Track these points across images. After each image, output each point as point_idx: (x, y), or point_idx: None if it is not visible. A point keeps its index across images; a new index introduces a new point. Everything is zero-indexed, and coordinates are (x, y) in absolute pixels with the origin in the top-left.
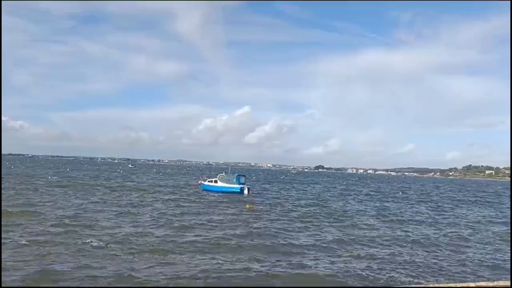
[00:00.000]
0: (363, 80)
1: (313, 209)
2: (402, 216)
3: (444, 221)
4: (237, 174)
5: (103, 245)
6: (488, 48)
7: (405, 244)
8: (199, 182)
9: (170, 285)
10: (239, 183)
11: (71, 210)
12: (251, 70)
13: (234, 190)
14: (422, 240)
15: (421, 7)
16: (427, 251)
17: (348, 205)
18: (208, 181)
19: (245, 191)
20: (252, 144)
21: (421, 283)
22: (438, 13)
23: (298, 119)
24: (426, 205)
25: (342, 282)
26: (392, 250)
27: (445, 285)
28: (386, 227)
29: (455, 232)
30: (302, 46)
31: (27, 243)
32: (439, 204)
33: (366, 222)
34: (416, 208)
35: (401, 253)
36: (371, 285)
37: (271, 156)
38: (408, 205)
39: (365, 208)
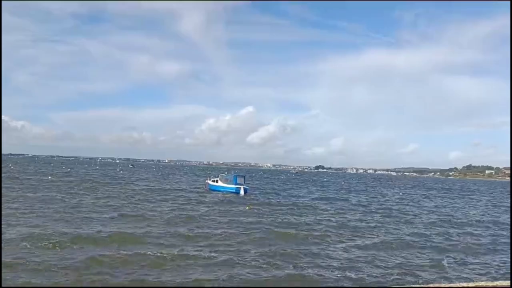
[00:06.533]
0: (367, 80)
1: None
2: None
3: None
4: (234, 175)
5: None
6: (492, 48)
7: None
8: (207, 182)
9: (171, 285)
10: (235, 183)
11: None
12: (254, 70)
13: (230, 190)
14: None
15: (424, 7)
16: None
17: None
18: (212, 181)
19: (241, 191)
20: (255, 144)
21: (421, 283)
22: (442, 13)
23: (301, 119)
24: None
25: (342, 282)
26: None
27: (445, 285)
28: None
29: None
30: (306, 46)
31: None
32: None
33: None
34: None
35: None
36: (370, 285)
37: (271, 156)
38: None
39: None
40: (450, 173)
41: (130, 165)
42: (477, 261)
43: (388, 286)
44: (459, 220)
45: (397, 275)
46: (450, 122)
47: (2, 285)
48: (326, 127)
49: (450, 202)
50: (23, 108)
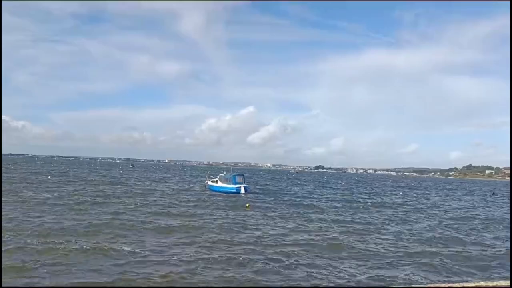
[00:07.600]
0: (367, 80)
1: None
2: None
3: None
4: (233, 174)
5: None
6: (492, 48)
7: None
8: (206, 182)
9: (171, 285)
10: (235, 183)
11: None
12: (254, 70)
13: (230, 190)
14: None
15: (424, 7)
16: None
17: None
18: (212, 181)
19: (242, 190)
20: (255, 144)
21: (421, 283)
22: (442, 13)
23: (301, 119)
24: None
25: (343, 283)
26: None
27: (445, 285)
28: None
29: None
30: (306, 46)
31: None
32: None
33: None
34: None
35: None
36: (371, 285)
37: (271, 156)
38: None
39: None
40: (450, 173)
41: (130, 165)
42: None
43: (388, 286)
44: None
45: None
46: (450, 122)
47: (2, 285)
48: (326, 127)
49: None
50: (23, 108)
